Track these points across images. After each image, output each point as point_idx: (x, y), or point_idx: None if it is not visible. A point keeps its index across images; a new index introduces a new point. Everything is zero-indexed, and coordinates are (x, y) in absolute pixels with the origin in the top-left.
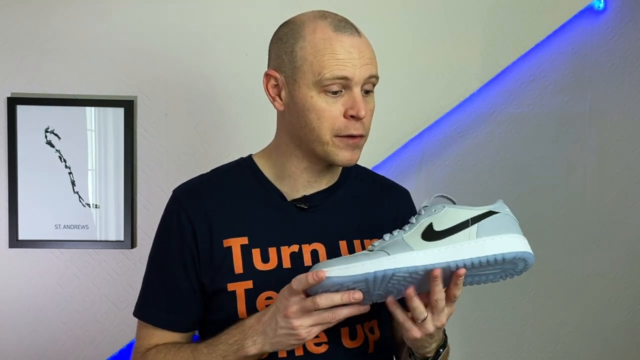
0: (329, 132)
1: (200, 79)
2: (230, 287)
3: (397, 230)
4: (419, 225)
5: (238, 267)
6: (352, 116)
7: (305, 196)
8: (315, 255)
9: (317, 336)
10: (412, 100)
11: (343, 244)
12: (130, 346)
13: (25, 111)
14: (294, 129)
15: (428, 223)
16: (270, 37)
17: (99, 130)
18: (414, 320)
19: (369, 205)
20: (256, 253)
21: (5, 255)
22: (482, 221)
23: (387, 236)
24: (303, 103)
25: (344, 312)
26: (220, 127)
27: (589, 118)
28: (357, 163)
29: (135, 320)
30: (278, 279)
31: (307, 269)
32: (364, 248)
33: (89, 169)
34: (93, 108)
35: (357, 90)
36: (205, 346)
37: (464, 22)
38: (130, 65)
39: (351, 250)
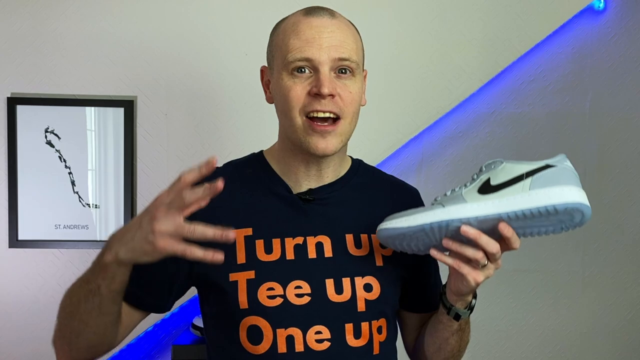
0: (297, 112)
1: (200, 79)
2: (232, 277)
3: (459, 186)
4: (478, 181)
5: (241, 258)
6: (316, 94)
7: (310, 189)
8: (320, 248)
9: (319, 332)
10: (412, 100)
11: (350, 238)
12: (130, 346)
13: (25, 111)
14: (280, 117)
15: (486, 178)
16: None
17: (99, 130)
18: (473, 264)
19: (377, 201)
20: (259, 244)
21: (5, 255)
22: (537, 174)
23: (448, 191)
24: (278, 87)
25: (200, 230)
26: (220, 127)
27: (589, 118)
28: (363, 161)
29: None
30: (281, 270)
31: (310, 261)
32: (371, 242)
33: (89, 169)
34: (93, 108)
35: (323, 70)
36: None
37: (464, 22)
38: (130, 65)
39: (358, 244)
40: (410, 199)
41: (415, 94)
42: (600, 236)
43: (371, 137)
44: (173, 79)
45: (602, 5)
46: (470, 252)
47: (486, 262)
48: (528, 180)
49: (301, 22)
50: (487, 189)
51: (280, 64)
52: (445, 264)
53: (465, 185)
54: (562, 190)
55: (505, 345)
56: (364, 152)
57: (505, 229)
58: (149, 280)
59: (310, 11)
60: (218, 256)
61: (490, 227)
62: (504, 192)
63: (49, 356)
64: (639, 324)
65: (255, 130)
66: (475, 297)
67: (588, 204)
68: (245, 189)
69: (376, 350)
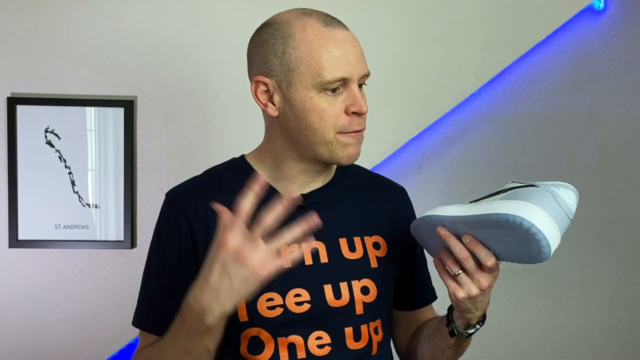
0: (332, 131)
1: (200, 79)
2: None
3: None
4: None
5: None
6: (354, 112)
7: (301, 195)
8: (315, 254)
9: (319, 337)
10: (412, 100)
11: (343, 241)
12: (130, 346)
13: (25, 111)
14: (293, 132)
15: (488, 194)
16: None
17: (99, 130)
18: (452, 276)
19: (367, 202)
20: None
21: (5, 255)
22: (514, 190)
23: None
24: (302, 105)
25: (288, 237)
26: (220, 127)
27: (589, 118)
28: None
29: None
30: (279, 279)
31: (307, 268)
32: (364, 245)
33: (89, 169)
34: (93, 108)
35: (355, 87)
36: (169, 337)
37: (464, 22)
38: (130, 65)
39: (352, 248)
40: (396, 197)
41: (415, 94)
42: (600, 236)
43: (371, 137)
44: (173, 79)
45: (602, 5)
46: (444, 257)
47: (458, 272)
48: (504, 194)
49: (326, 35)
50: (477, 200)
51: (309, 80)
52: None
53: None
54: (519, 205)
55: (505, 345)
56: (363, 152)
57: (466, 239)
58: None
59: (327, 22)
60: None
61: (462, 233)
62: (481, 202)
63: (48, 356)
64: (639, 324)
65: (256, 131)
66: (481, 323)
67: (545, 231)
68: (234, 197)
69: (374, 350)
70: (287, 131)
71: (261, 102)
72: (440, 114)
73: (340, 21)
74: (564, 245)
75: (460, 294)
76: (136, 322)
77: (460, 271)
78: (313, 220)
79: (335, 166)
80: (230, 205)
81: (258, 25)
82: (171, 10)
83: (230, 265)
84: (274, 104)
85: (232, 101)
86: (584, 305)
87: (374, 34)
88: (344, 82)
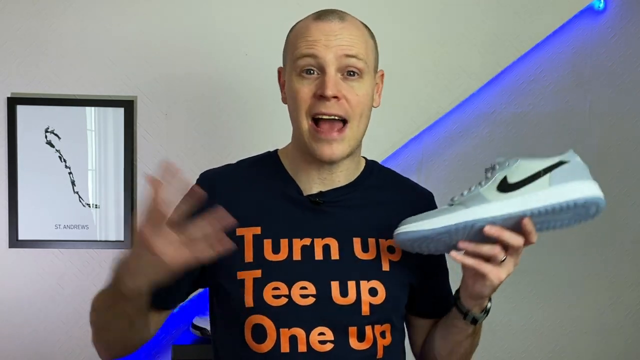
0: (303, 114)
1: (200, 79)
2: (240, 275)
3: (474, 185)
4: (494, 180)
5: (248, 256)
6: (320, 95)
7: (321, 192)
8: (327, 250)
9: (322, 333)
10: (412, 100)
11: (357, 241)
12: None
13: (25, 111)
14: (291, 121)
15: (503, 176)
16: (270, 37)
17: (99, 130)
18: (492, 262)
19: (389, 205)
20: (267, 243)
21: (5, 255)
22: (553, 171)
23: (465, 192)
24: (288, 89)
25: (195, 231)
26: (220, 127)
27: (589, 118)
28: (378, 163)
29: None
30: (287, 270)
31: (317, 262)
32: (378, 247)
33: (89, 169)
34: (93, 108)
35: (329, 71)
36: (104, 289)
37: (464, 22)
38: (130, 65)
39: (365, 248)
40: (424, 203)
41: (415, 94)
42: (600, 236)
43: (371, 137)
44: (173, 79)
45: (602, 5)
46: (486, 248)
47: (504, 257)
48: (546, 177)
49: (310, 26)
50: (506, 187)
51: (290, 65)
52: (465, 265)
53: (481, 184)
54: (582, 185)
55: (505, 345)
56: (364, 152)
57: (528, 225)
58: (170, 284)
59: (321, 15)
60: (227, 244)
61: (512, 224)
62: (525, 190)
63: (48, 356)
64: (639, 324)
65: (255, 131)
66: (490, 299)
67: (603, 196)
68: (257, 188)
69: (380, 354)
70: (291, 122)
71: (281, 90)
72: (440, 114)
73: (338, 14)
74: (564, 245)
75: (504, 275)
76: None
77: (505, 256)
78: (224, 219)
79: (361, 167)
80: (252, 192)
81: (258, 25)
82: (171, 11)
83: (138, 247)
84: (284, 93)
85: (232, 101)
86: (584, 305)
87: (374, 34)
88: (318, 65)
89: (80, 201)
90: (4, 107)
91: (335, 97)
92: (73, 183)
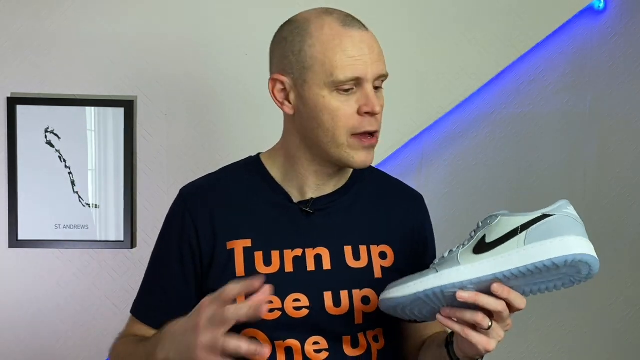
0: (344, 131)
1: (200, 79)
2: None
3: (457, 246)
4: (474, 239)
5: (240, 270)
6: (366, 112)
7: (312, 199)
8: (318, 260)
9: (317, 342)
10: (412, 100)
11: (348, 249)
12: None
13: (25, 111)
14: (306, 131)
15: (482, 236)
16: (271, 37)
17: (99, 130)
18: (477, 328)
19: (378, 209)
20: (258, 256)
21: (5, 255)
22: (532, 226)
23: (446, 253)
24: (315, 104)
25: (234, 345)
26: (220, 127)
27: (589, 118)
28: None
29: None
30: (279, 283)
31: (309, 274)
32: (370, 254)
33: (89, 169)
34: (93, 108)
35: (369, 87)
36: (142, 344)
37: (464, 22)
38: (130, 65)
39: (356, 256)
40: (414, 206)
41: (415, 94)
42: (600, 236)
43: None
44: (173, 79)
45: (602, 5)
46: (468, 315)
47: (490, 324)
48: (523, 235)
49: (343, 35)
50: (481, 247)
51: (322, 79)
52: (453, 330)
53: (463, 245)
54: (562, 242)
55: (504, 345)
56: None
57: (499, 290)
58: (174, 306)
59: (347, 22)
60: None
61: (488, 288)
62: (498, 250)
63: (48, 356)
64: (639, 324)
65: (256, 131)
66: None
67: (593, 253)
68: (244, 198)
69: (374, 358)
70: (301, 130)
71: (278, 101)
72: (440, 114)
73: (360, 22)
74: None
75: (493, 345)
76: (132, 308)
77: (491, 322)
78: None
79: (350, 171)
80: (240, 202)
81: (259, 25)
82: (171, 10)
83: (190, 323)
84: (290, 102)
85: (232, 101)
86: (584, 305)
87: (374, 34)
88: (358, 82)
89: (80, 201)
90: (4, 107)
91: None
92: (73, 183)
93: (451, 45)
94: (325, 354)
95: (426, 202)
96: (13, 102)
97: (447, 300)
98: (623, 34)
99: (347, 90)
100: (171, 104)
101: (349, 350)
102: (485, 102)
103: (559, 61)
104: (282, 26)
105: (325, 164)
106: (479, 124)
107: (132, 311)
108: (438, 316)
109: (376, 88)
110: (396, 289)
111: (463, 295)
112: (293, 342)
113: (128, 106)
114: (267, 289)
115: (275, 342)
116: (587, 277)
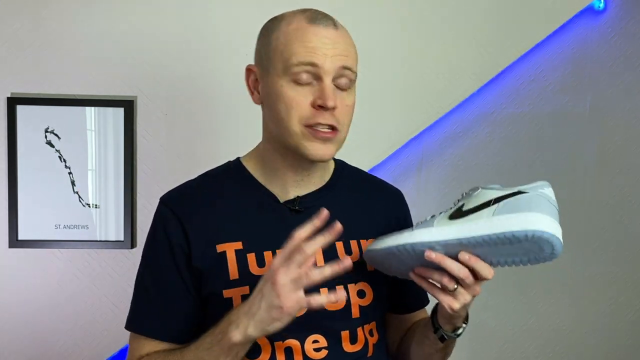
0: (297, 121)
1: (200, 79)
2: (226, 293)
3: (440, 211)
4: (454, 207)
5: (233, 273)
6: (320, 106)
7: (298, 197)
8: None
9: (316, 341)
10: (412, 100)
11: (339, 245)
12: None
13: (25, 111)
14: (271, 122)
15: (461, 205)
16: None
17: (99, 130)
18: (445, 290)
19: (363, 206)
20: (251, 258)
21: (5, 255)
22: (504, 200)
23: (429, 216)
24: (273, 92)
25: (327, 272)
26: (220, 127)
27: (589, 118)
28: (352, 164)
29: None
30: None
31: None
32: (360, 248)
33: (89, 169)
34: (93, 108)
35: (327, 81)
36: (194, 343)
37: (464, 22)
38: (130, 65)
39: (348, 251)
40: (394, 201)
41: (415, 94)
42: (600, 236)
43: (371, 137)
44: (173, 79)
45: (602, 5)
46: (436, 276)
47: (455, 287)
48: (494, 207)
49: (307, 29)
50: (456, 214)
51: (281, 68)
52: (422, 287)
53: (446, 212)
54: (526, 218)
55: (504, 346)
56: (364, 152)
57: (465, 258)
58: (185, 314)
59: (314, 19)
60: (340, 295)
61: (455, 253)
62: (469, 218)
63: (48, 356)
64: (639, 324)
65: (255, 131)
66: (466, 321)
67: (557, 234)
68: (230, 201)
69: (370, 352)
70: (268, 121)
71: (250, 90)
72: (440, 114)
73: (332, 20)
74: (564, 245)
75: (457, 305)
76: (135, 327)
77: (457, 285)
78: (345, 263)
79: (330, 168)
80: (226, 206)
81: (257, 25)
82: (171, 10)
83: (266, 284)
84: (258, 93)
85: (232, 101)
86: (584, 305)
87: (373, 34)
88: (315, 72)
89: (80, 201)
90: (4, 107)
91: (333, 107)
92: (73, 183)
93: (451, 45)
94: (324, 352)
95: (426, 201)
96: (13, 102)
97: (419, 259)
98: (623, 34)
99: (304, 82)
100: (171, 104)
101: (347, 347)
102: (485, 102)
103: (559, 61)
104: (265, 23)
105: (295, 157)
106: (479, 124)
107: (136, 330)
108: (411, 274)
109: (342, 89)
110: (377, 242)
111: (430, 255)
112: (293, 342)
113: (128, 106)
114: (338, 227)
115: (274, 343)
116: (551, 257)
